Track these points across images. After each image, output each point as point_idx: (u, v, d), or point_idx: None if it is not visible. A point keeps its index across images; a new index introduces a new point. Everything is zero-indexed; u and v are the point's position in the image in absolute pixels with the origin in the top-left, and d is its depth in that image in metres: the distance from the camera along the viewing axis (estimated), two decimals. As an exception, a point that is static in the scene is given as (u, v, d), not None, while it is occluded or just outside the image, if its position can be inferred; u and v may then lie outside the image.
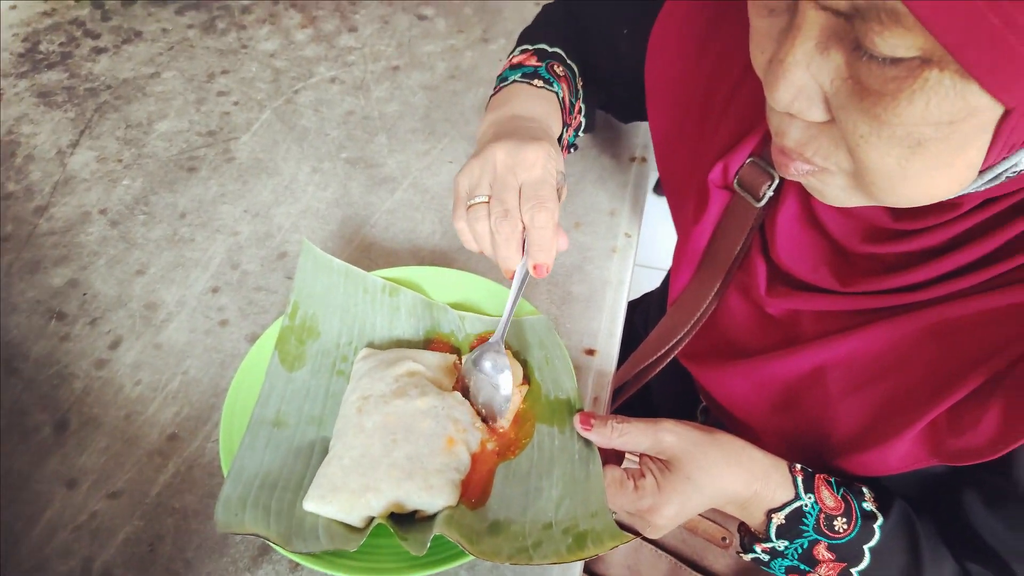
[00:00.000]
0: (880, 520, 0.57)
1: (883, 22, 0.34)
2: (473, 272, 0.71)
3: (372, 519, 0.55)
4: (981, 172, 0.41)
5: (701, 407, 0.80)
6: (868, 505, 0.57)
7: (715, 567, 0.71)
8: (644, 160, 0.86)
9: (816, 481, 0.57)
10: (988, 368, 0.47)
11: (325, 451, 0.60)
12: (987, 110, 0.35)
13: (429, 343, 0.69)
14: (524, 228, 0.57)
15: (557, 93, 0.70)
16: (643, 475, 0.56)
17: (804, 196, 0.57)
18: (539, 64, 0.71)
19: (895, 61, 0.35)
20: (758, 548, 0.59)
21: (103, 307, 0.72)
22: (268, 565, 0.57)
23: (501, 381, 0.61)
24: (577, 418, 0.58)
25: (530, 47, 0.74)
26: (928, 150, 0.38)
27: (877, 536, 0.56)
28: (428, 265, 0.75)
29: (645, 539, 0.73)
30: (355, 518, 0.55)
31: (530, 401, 0.62)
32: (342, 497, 0.55)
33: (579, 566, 0.58)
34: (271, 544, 0.51)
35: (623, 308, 0.73)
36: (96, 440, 0.63)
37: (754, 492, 0.56)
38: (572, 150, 0.80)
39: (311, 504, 0.55)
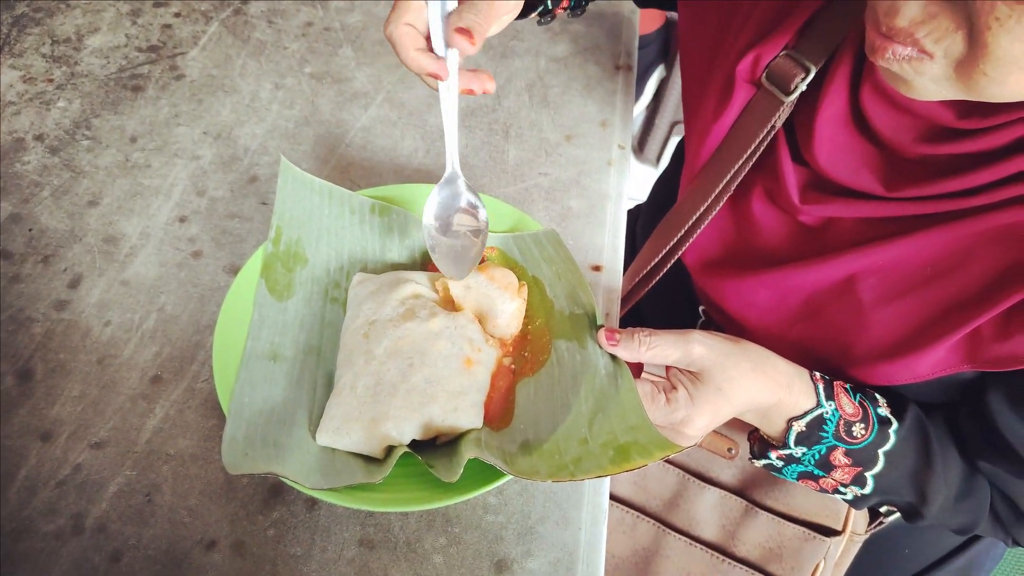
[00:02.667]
0: (895, 425, 0.57)
1: None
2: (465, 189, 0.67)
3: (391, 449, 0.51)
4: None
5: (700, 321, 0.79)
6: (883, 411, 0.58)
7: (721, 478, 0.72)
8: (630, 68, 0.82)
9: (835, 388, 0.57)
10: None
11: (329, 383, 0.56)
12: None
13: (426, 264, 0.64)
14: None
15: None
16: (674, 388, 0.55)
17: (852, 93, 0.54)
18: None
19: None
20: (772, 455, 0.59)
21: (54, 243, 0.64)
22: (282, 506, 0.53)
23: (477, 217, 0.58)
24: (602, 334, 0.55)
25: None
26: None
27: (892, 441, 0.56)
28: (414, 183, 0.69)
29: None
30: (374, 448, 0.51)
31: (544, 317, 0.59)
32: (359, 427, 0.51)
33: (607, 487, 0.57)
34: (287, 482, 0.47)
35: (624, 222, 0.70)
36: (67, 388, 0.56)
37: (777, 400, 0.55)
38: (578, 11, 0.74)
39: (325, 437, 0.51)
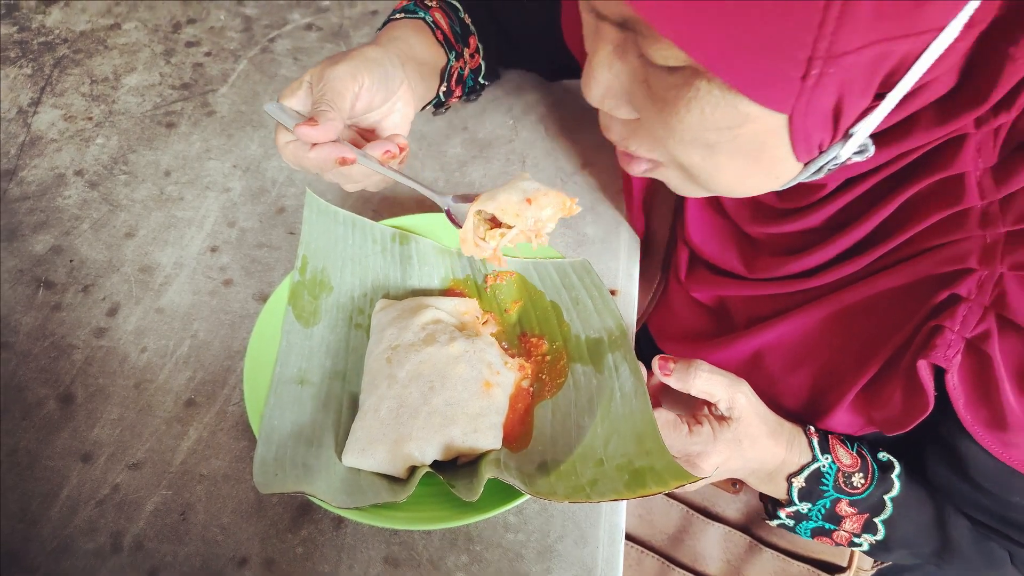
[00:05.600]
0: (898, 469, 0.58)
1: (650, 35, 0.36)
2: (484, 217, 0.69)
3: (414, 469, 0.53)
4: (807, 164, 0.42)
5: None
6: (883, 455, 0.59)
7: (726, 513, 0.72)
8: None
9: (830, 441, 0.58)
10: (887, 349, 0.50)
11: (354, 406, 0.58)
12: (764, 116, 0.36)
13: (446, 290, 0.67)
14: None
15: (424, 18, 0.67)
16: (699, 422, 0.55)
17: None
18: (408, 1, 0.69)
19: (672, 69, 0.37)
20: (782, 513, 0.60)
21: (94, 273, 0.67)
22: (311, 524, 0.55)
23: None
24: (656, 363, 0.55)
25: None
26: (723, 151, 0.40)
27: (897, 486, 0.57)
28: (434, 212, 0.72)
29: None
30: (397, 468, 0.53)
31: (562, 340, 0.61)
32: (382, 449, 0.53)
33: (623, 507, 0.58)
34: (315, 501, 0.49)
35: (638, 248, 0.72)
36: (107, 411, 0.59)
37: (781, 461, 0.57)
38: (473, 96, 0.77)
39: (351, 458, 0.53)
